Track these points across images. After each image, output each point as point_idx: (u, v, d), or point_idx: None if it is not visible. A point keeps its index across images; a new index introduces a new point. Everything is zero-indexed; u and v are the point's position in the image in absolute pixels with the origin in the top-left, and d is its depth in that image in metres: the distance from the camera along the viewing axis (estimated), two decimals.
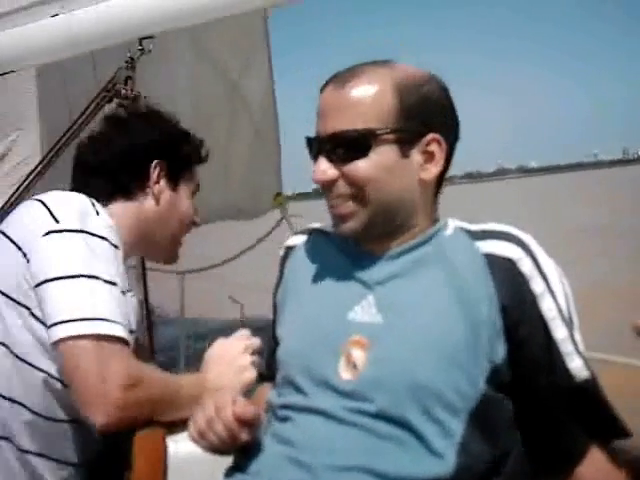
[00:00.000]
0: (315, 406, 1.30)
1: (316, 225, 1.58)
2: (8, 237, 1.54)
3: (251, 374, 1.67)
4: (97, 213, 1.58)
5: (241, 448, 1.36)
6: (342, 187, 1.35)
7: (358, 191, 1.34)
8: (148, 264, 3.27)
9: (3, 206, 3.07)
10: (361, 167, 1.32)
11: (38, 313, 1.50)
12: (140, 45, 2.57)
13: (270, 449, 1.34)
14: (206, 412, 1.34)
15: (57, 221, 1.49)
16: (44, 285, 1.46)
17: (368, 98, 1.32)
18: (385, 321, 1.32)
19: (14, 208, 3.01)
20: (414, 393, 1.25)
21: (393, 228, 1.39)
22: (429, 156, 1.36)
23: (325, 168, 1.35)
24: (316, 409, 1.30)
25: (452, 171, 1.41)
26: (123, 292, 1.56)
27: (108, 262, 1.51)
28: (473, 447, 1.25)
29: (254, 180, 5.17)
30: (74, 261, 1.46)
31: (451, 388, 1.25)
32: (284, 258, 1.57)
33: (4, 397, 1.54)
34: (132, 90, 2.53)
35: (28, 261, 1.48)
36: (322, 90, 1.38)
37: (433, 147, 1.36)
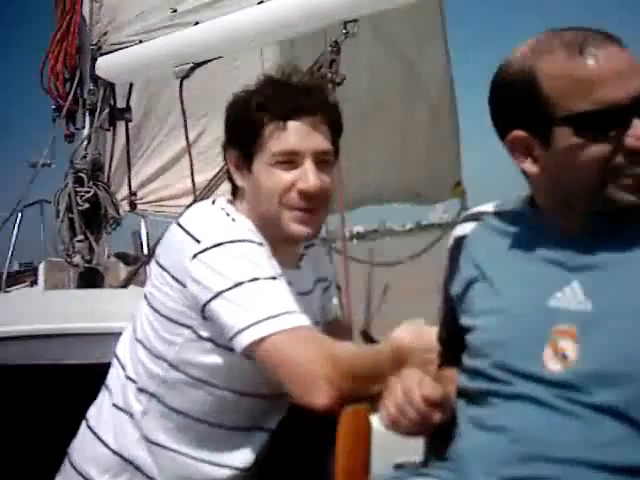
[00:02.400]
0: (523, 393, 1.25)
1: (484, 208, 1.49)
2: (161, 265, 1.59)
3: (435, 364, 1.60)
4: (233, 220, 1.58)
5: (436, 431, 1.34)
6: None
7: None
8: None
9: (207, 185, 3.23)
10: None
11: (202, 332, 1.55)
12: (345, 28, 2.58)
13: (471, 435, 1.31)
14: (395, 398, 1.33)
15: (198, 241, 1.51)
16: (209, 305, 1.48)
17: None
18: (596, 309, 1.23)
19: (216, 187, 3.21)
20: (638, 386, 1.17)
21: None
22: None
23: None
24: (524, 396, 1.25)
25: None
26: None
27: (260, 261, 1.52)
28: None
29: (432, 164, 5.03)
30: (228, 272, 1.48)
31: None
32: (455, 248, 1.50)
33: (168, 407, 1.61)
34: (337, 73, 2.57)
35: (184, 286, 1.52)
36: (588, 54, 1.19)
37: None
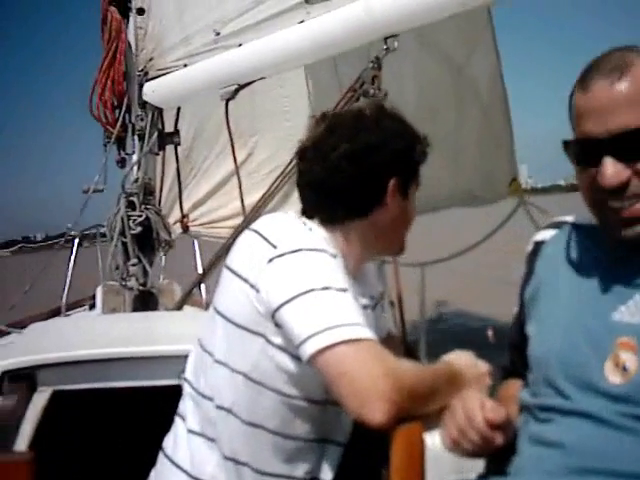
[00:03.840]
0: (581, 409, 1.24)
1: (566, 218, 1.50)
2: (234, 271, 1.58)
3: (488, 379, 1.63)
4: (310, 229, 1.59)
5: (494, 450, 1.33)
6: (636, 187, 1.23)
7: None
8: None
9: (257, 204, 3.25)
10: None
11: (274, 339, 1.54)
12: (385, 44, 2.58)
13: (529, 451, 1.30)
14: (457, 420, 1.32)
15: (275, 247, 1.51)
16: (280, 310, 1.47)
17: None
18: None
19: (265, 206, 3.24)
20: None
21: None
22: None
23: (616, 170, 1.23)
24: (583, 412, 1.24)
25: None
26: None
27: (333, 272, 1.51)
28: None
29: (486, 165, 5.02)
30: (302, 279, 1.47)
31: None
32: (533, 253, 1.51)
33: (245, 422, 1.60)
34: (379, 89, 2.56)
35: (257, 291, 1.51)
36: (585, 86, 1.26)
37: None
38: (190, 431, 1.66)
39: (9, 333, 3.20)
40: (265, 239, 1.54)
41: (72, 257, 4.59)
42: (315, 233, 1.59)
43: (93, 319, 3.54)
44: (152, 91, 3.48)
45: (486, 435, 1.29)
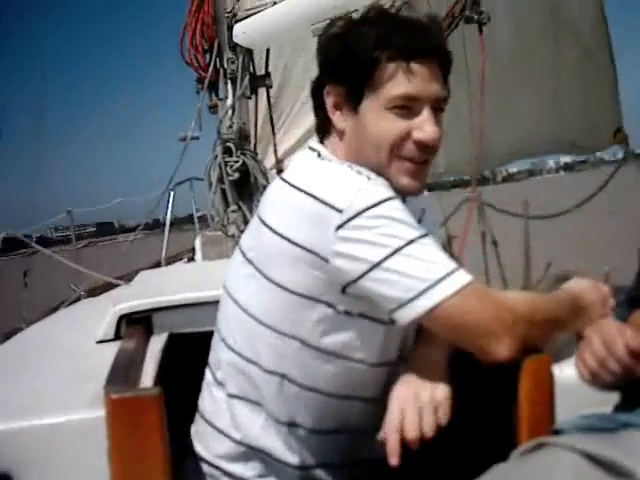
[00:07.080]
0: None
1: None
2: (281, 235, 1.44)
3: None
4: (368, 178, 1.43)
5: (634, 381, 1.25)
6: None
7: None
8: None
9: None
10: None
11: (340, 307, 1.45)
12: None
13: None
14: (595, 350, 1.26)
15: (339, 211, 1.36)
16: (364, 278, 1.37)
17: None
18: None
19: None
20: None
21: None
22: None
23: None
24: None
25: None
26: None
27: (408, 219, 1.39)
28: None
29: (588, 111, 4.75)
30: (382, 240, 1.36)
31: None
32: None
33: (302, 386, 1.53)
34: (481, 13, 2.42)
35: (326, 261, 1.39)
36: None
37: None
38: (231, 395, 1.59)
39: (117, 286, 3.25)
40: (322, 202, 1.39)
41: (169, 209, 4.63)
42: (372, 181, 1.43)
43: (200, 265, 3.53)
44: (242, 32, 3.44)
45: (627, 364, 1.22)
